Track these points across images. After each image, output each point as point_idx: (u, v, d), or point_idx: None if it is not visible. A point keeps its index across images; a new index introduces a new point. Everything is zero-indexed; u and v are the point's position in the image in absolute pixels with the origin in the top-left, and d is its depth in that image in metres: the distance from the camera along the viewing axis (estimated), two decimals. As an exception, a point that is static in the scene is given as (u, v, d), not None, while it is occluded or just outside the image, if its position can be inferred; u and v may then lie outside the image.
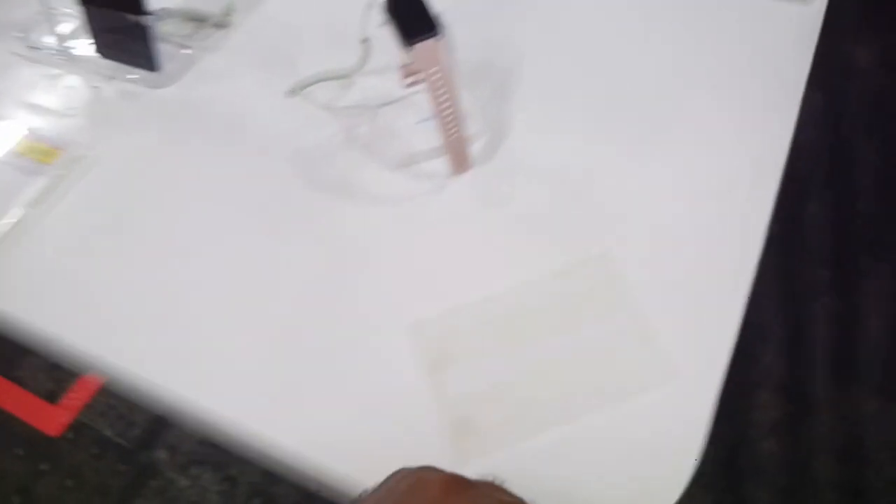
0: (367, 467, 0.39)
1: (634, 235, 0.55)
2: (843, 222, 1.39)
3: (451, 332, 0.52)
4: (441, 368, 0.50)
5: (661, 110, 0.62)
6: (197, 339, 0.53)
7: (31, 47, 0.71)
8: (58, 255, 0.58)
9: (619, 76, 0.64)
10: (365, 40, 0.61)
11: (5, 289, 0.57)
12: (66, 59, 0.70)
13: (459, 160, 0.58)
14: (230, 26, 0.71)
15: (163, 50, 0.68)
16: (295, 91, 0.64)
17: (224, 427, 0.49)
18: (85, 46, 0.70)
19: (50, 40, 0.71)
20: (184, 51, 0.69)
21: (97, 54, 0.69)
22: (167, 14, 0.71)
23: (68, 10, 0.71)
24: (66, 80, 0.70)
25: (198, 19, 0.71)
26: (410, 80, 0.53)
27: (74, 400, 1.18)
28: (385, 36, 0.53)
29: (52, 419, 1.18)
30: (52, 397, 1.20)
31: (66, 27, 0.72)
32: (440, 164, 0.60)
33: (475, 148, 0.60)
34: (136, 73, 0.68)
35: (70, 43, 0.71)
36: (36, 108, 0.68)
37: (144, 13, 0.64)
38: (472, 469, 0.39)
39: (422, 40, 0.51)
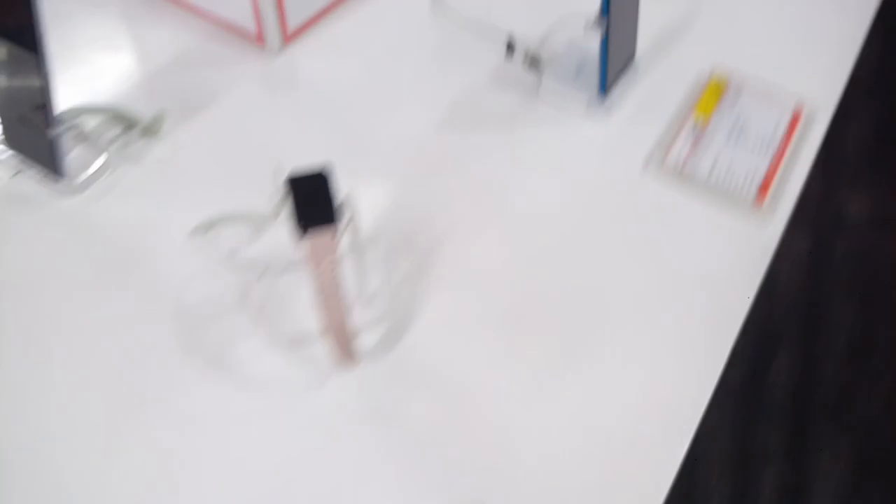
0: None
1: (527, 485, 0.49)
2: (809, 383, 1.34)
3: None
4: None
5: (591, 322, 0.56)
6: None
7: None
8: None
9: (549, 275, 0.59)
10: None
11: None
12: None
13: (344, 353, 0.52)
14: (158, 135, 0.66)
15: (79, 150, 0.64)
16: (199, 231, 0.59)
17: None
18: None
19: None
20: (100, 157, 0.64)
21: (3, 144, 0.64)
22: (92, 110, 0.66)
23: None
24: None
25: (125, 121, 0.66)
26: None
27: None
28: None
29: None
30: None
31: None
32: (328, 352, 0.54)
33: (372, 337, 0.55)
34: (41, 173, 0.63)
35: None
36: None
37: (48, 110, 0.59)
38: None
39: (317, 230, 0.46)
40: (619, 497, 0.48)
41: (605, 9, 0.61)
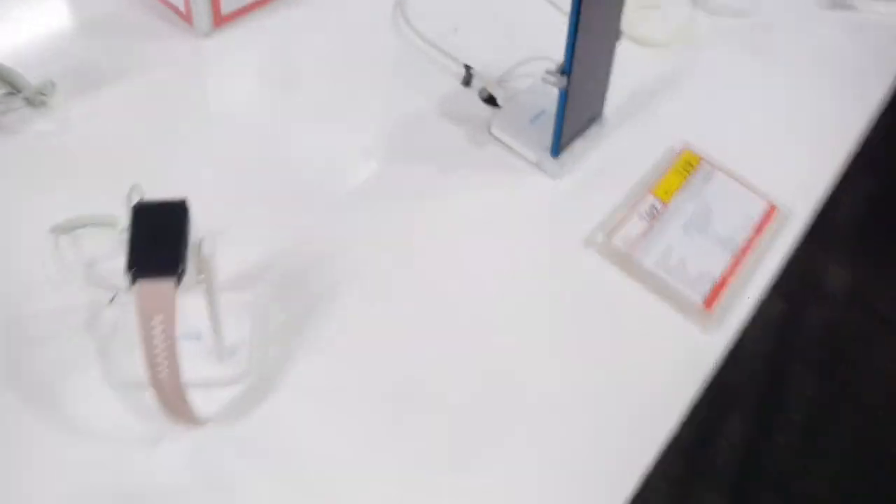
0: None
1: None
2: (759, 450, 1.28)
3: None
4: None
5: (499, 413, 0.48)
6: None
7: None
8: None
9: (458, 350, 0.50)
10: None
11: None
12: None
13: (174, 414, 0.43)
14: (46, 107, 0.58)
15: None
16: (57, 230, 0.51)
17: None
18: None
19: None
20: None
21: None
22: None
23: None
24: None
25: (9, 84, 0.57)
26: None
27: None
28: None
29: None
30: None
31: None
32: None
33: (224, 397, 0.46)
34: None
35: None
36: None
37: None
38: None
39: (151, 280, 0.38)
40: None
41: (568, 65, 0.53)
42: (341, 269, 0.53)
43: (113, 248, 0.51)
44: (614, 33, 0.57)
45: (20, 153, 0.56)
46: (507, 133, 0.62)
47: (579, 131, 0.61)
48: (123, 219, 0.47)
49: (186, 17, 0.64)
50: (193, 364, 0.45)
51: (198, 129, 0.60)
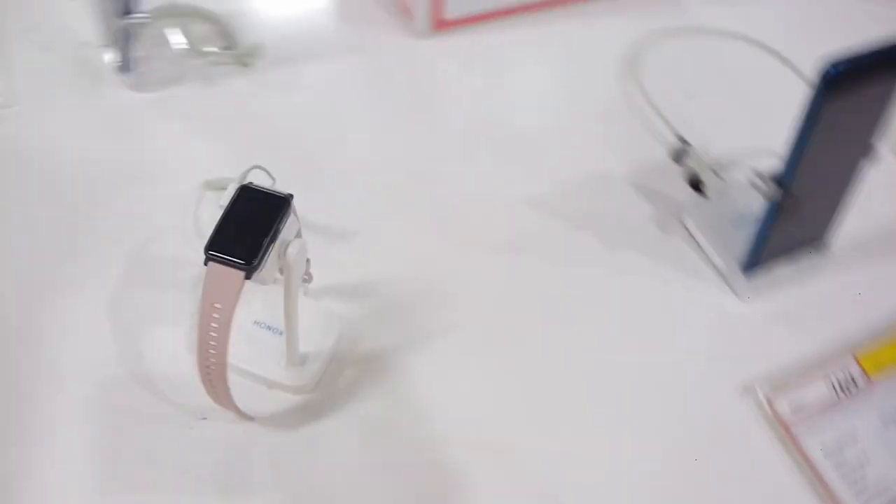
0: None
1: None
2: None
3: None
4: None
5: None
6: None
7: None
8: None
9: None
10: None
11: None
12: None
13: (219, 400, 0.40)
14: (249, 68, 0.59)
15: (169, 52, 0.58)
16: (207, 186, 0.51)
17: None
18: None
19: None
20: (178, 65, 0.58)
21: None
22: (196, 14, 0.58)
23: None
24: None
25: (226, 40, 0.59)
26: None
27: None
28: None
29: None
30: None
31: None
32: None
33: (286, 402, 0.43)
34: (116, 58, 0.57)
35: None
36: None
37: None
38: None
39: (222, 265, 0.36)
40: None
41: (788, 175, 0.43)
42: (455, 312, 0.48)
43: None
44: (863, 148, 0.45)
45: (212, 105, 0.57)
46: (700, 228, 0.52)
47: (789, 253, 0.50)
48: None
49: (408, 14, 0.62)
50: (263, 357, 0.44)
51: (379, 125, 0.58)
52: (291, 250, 0.37)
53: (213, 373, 0.37)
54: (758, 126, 0.59)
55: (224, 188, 0.50)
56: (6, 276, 0.48)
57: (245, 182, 0.39)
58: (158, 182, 0.53)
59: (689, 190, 0.55)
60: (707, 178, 0.54)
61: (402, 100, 0.60)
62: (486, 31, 0.64)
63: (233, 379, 0.38)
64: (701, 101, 0.62)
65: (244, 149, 0.54)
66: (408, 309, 0.48)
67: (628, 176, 0.56)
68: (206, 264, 0.35)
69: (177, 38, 0.59)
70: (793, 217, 0.46)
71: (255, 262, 0.35)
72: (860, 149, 0.45)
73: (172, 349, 0.45)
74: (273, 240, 0.36)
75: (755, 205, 0.50)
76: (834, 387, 0.45)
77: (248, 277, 0.35)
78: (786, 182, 0.43)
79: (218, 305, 0.35)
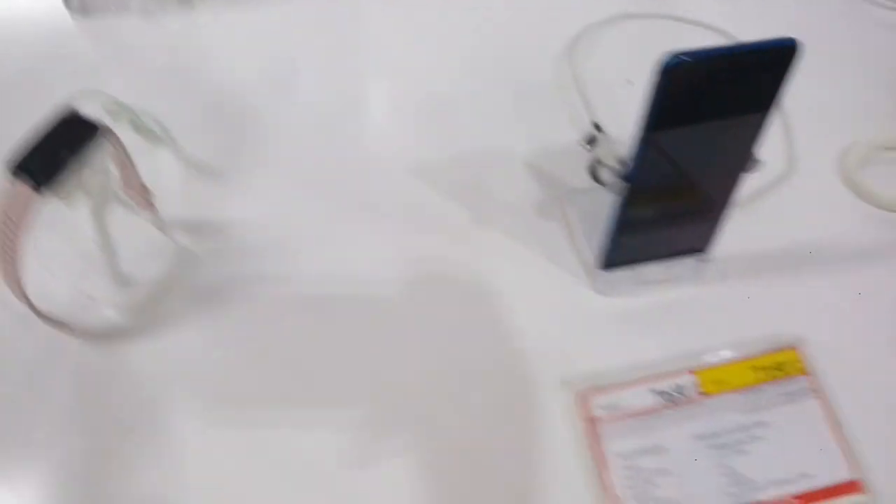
0: None
1: None
2: None
3: None
4: None
5: None
6: None
7: None
8: None
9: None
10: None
11: None
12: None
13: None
14: (190, 8, 0.61)
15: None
16: (109, 111, 0.54)
17: None
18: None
19: None
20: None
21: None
22: None
23: None
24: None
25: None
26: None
27: None
28: None
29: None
30: None
31: None
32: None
33: (108, 320, 0.46)
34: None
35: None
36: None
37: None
38: None
39: (19, 179, 0.38)
40: None
41: (634, 171, 0.41)
42: (296, 265, 0.49)
43: (148, 149, 0.53)
44: (741, 158, 0.42)
45: (146, 37, 0.60)
46: (578, 217, 0.50)
47: (666, 259, 0.47)
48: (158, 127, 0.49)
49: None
50: (93, 274, 0.46)
51: (295, 73, 0.59)
52: (93, 178, 0.39)
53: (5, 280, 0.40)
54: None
55: (122, 117, 0.54)
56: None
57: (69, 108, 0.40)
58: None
59: (588, 178, 0.53)
60: (609, 167, 0.52)
61: (329, 49, 0.61)
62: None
63: (62, 291, 0.41)
64: (641, 88, 0.59)
65: (160, 83, 0.57)
66: (254, 254, 0.49)
67: (528, 156, 0.54)
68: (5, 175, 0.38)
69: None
70: (650, 219, 0.44)
71: (47, 182, 0.37)
72: (739, 159, 0.42)
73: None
74: (73, 163, 0.38)
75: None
76: (660, 396, 0.43)
77: (40, 194, 0.37)
78: (630, 176, 0.41)
79: (10, 218, 0.38)
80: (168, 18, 0.61)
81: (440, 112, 0.57)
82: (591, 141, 0.54)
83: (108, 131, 0.39)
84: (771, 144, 0.55)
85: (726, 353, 0.45)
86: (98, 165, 0.39)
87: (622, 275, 0.48)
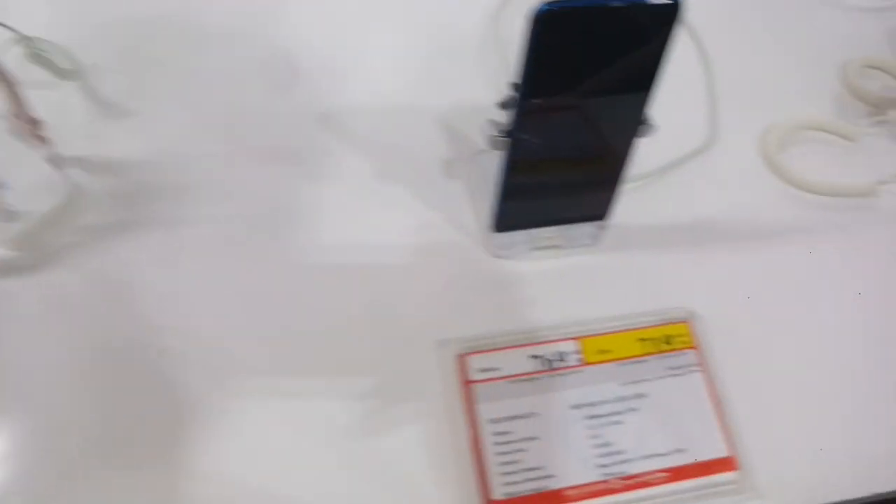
0: None
1: None
2: None
3: None
4: None
5: None
6: None
7: None
8: None
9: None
10: None
11: None
12: None
13: None
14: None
15: None
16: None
17: None
18: None
19: None
20: None
21: None
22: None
23: None
24: None
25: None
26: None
27: None
28: None
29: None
30: None
31: None
32: None
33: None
34: None
35: None
36: None
37: None
38: None
39: None
40: None
41: (514, 126, 0.39)
42: (194, 208, 0.48)
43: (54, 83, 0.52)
44: (634, 122, 0.41)
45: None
46: (481, 176, 0.49)
47: (558, 222, 0.46)
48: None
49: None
50: None
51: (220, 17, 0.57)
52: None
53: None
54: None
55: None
56: None
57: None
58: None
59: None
60: (495, 126, 0.51)
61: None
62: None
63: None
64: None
65: (78, 18, 0.55)
66: (149, 195, 0.48)
67: (442, 113, 0.53)
68: None
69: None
70: (530, 178, 0.42)
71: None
72: (629, 124, 0.41)
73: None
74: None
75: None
76: (538, 362, 0.43)
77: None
78: (510, 133, 0.40)
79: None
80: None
81: (354, 62, 0.55)
82: (506, 104, 0.53)
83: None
84: (694, 116, 0.55)
85: (614, 323, 0.44)
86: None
87: (518, 238, 0.46)
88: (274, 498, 0.39)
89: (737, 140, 0.53)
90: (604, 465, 0.40)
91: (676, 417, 0.42)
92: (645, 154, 0.51)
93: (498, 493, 0.39)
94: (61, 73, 0.53)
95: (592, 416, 0.41)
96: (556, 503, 0.39)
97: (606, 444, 0.41)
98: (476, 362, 0.42)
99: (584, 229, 0.47)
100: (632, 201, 0.50)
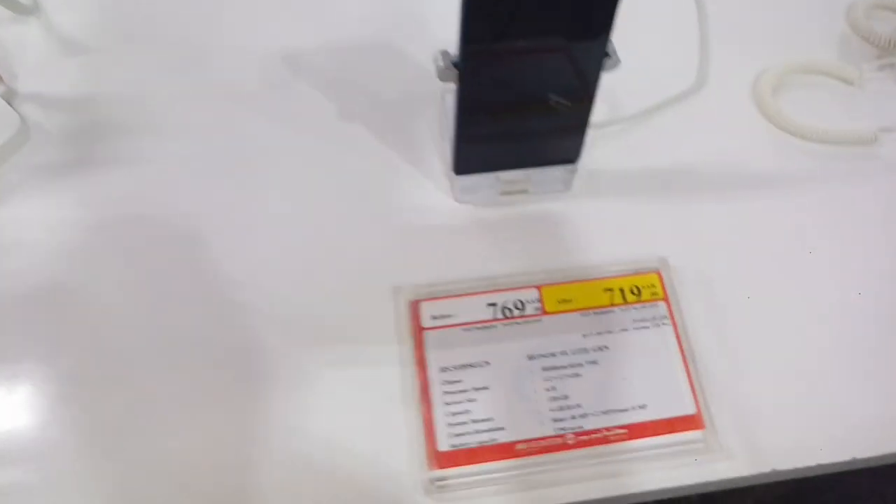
0: None
1: None
2: None
3: None
4: None
5: None
6: None
7: None
8: None
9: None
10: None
11: None
12: None
13: None
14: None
15: None
16: None
17: None
18: None
19: None
20: None
21: None
22: None
23: None
24: None
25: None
26: None
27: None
28: None
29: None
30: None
31: None
32: None
33: None
34: None
35: None
36: None
37: None
38: None
39: None
40: None
41: (462, 58, 0.36)
42: (154, 146, 0.46)
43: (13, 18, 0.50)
44: (595, 61, 0.37)
45: None
46: (443, 115, 0.46)
47: (525, 165, 0.43)
48: None
49: None
50: None
51: None
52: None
53: None
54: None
55: None
56: None
57: None
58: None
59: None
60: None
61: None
62: None
63: None
64: None
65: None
66: (109, 131, 0.46)
67: (412, 49, 0.50)
68: None
69: None
70: (487, 116, 0.39)
71: None
72: (589, 62, 0.38)
73: None
74: None
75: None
76: (497, 308, 0.40)
77: None
78: (460, 64, 0.37)
79: None
80: None
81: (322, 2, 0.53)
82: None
83: None
84: (683, 56, 0.51)
85: (580, 272, 0.42)
86: None
87: (483, 182, 0.44)
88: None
89: (729, 83, 0.49)
90: (559, 420, 0.38)
91: (641, 372, 0.39)
92: (628, 96, 0.49)
93: (444, 444, 0.37)
94: (19, 9, 0.51)
95: (549, 368, 0.39)
96: (504, 456, 0.37)
97: (563, 398, 0.38)
98: (429, 309, 0.40)
99: (553, 173, 0.44)
100: (611, 146, 0.47)
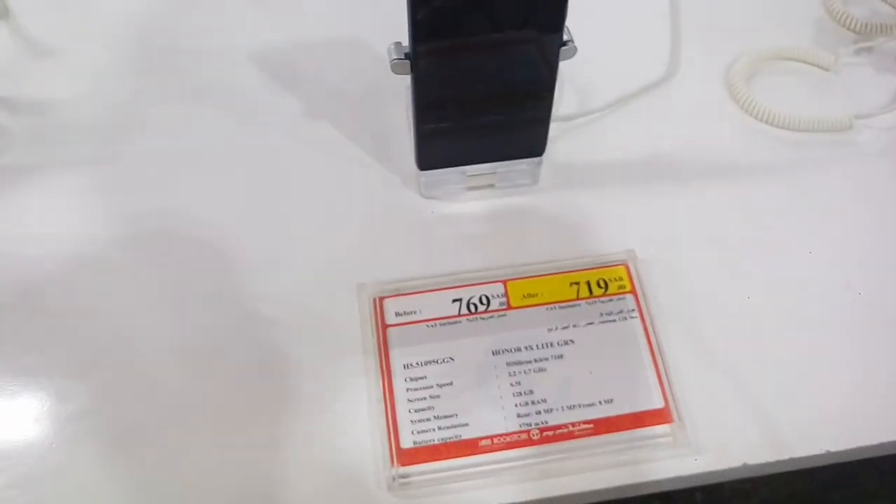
0: None
1: None
2: None
3: None
4: None
5: None
6: None
7: None
8: None
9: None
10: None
11: None
12: None
13: None
14: None
15: None
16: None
17: None
18: None
19: None
20: None
21: None
22: None
23: None
24: None
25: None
26: None
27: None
28: None
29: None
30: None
31: None
32: None
33: None
34: None
35: None
36: None
37: None
38: None
39: None
40: None
41: (412, 48, 0.36)
42: (119, 146, 0.46)
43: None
44: (550, 51, 0.37)
45: None
46: (409, 110, 0.46)
47: (490, 159, 0.43)
48: None
49: None
50: None
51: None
52: None
53: None
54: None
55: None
56: None
57: None
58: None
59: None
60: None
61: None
62: None
63: None
64: None
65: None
66: (73, 135, 0.46)
67: (377, 45, 0.49)
68: None
69: None
70: (446, 110, 0.39)
71: None
72: (545, 53, 0.37)
73: None
74: None
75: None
76: (461, 303, 0.40)
77: None
78: (411, 56, 0.36)
79: None
80: None
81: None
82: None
83: None
84: (653, 44, 0.51)
85: (546, 266, 0.41)
86: None
87: (449, 177, 0.43)
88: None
89: (700, 71, 0.49)
90: (524, 415, 0.37)
91: (607, 366, 0.39)
92: (597, 86, 0.48)
93: (407, 441, 0.37)
94: (-10, 12, 0.51)
95: (514, 363, 0.38)
96: (468, 453, 0.36)
97: (528, 393, 0.38)
98: (392, 305, 0.40)
99: (519, 167, 0.43)
100: (580, 138, 0.46)
